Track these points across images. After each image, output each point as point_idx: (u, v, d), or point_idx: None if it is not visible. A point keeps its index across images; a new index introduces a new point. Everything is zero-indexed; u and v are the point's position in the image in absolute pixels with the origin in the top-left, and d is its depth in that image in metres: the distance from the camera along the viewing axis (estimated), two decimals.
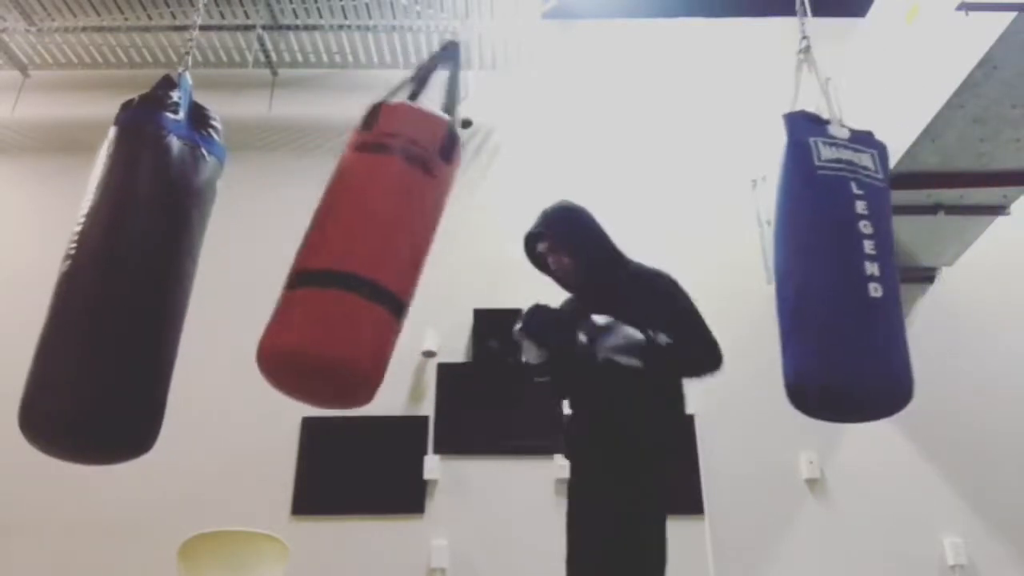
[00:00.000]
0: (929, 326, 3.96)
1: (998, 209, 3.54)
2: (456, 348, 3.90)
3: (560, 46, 4.77)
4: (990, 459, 3.70)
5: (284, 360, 1.64)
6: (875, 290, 1.85)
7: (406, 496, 3.61)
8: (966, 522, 3.57)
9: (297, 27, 4.39)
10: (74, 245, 1.89)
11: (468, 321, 3.93)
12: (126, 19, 4.29)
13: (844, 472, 3.67)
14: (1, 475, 3.52)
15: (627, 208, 4.22)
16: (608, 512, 1.97)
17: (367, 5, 4.22)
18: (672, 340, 1.98)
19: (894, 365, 1.85)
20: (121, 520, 3.50)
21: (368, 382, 1.66)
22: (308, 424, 3.76)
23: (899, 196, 3.36)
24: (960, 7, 2.66)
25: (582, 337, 2.01)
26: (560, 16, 4.64)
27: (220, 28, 4.31)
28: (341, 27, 4.35)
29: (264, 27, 4.35)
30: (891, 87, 3.34)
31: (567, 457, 2.26)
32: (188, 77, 2.20)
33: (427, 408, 3.78)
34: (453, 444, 3.70)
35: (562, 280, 2.29)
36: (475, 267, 4.00)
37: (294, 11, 4.31)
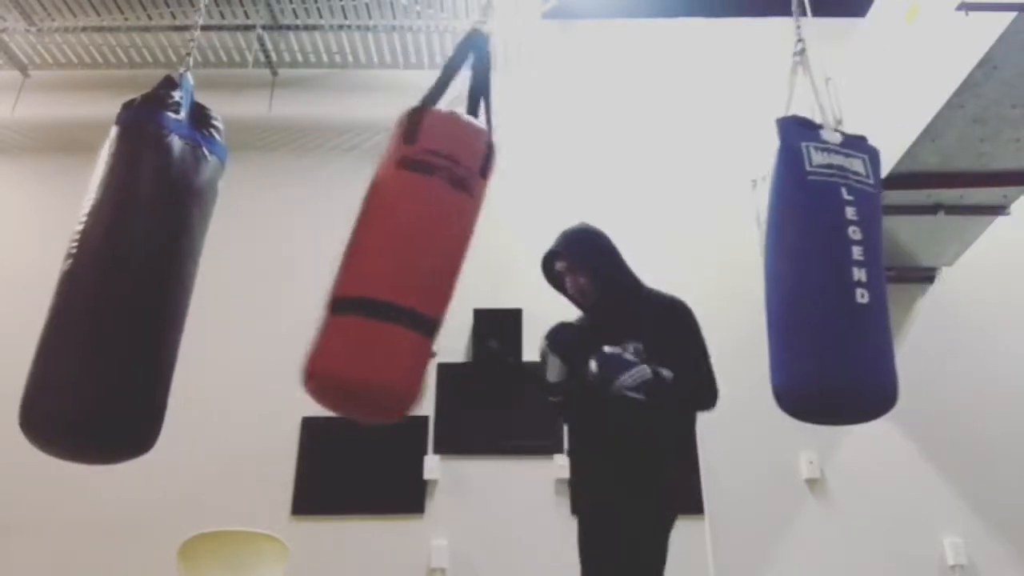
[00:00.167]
0: (929, 326, 3.97)
1: (998, 209, 3.54)
2: (456, 348, 3.90)
3: (560, 46, 4.77)
4: (990, 459, 3.70)
5: (329, 385, 1.70)
6: (862, 296, 1.87)
7: (406, 496, 3.61)
8: (966, 522, 3.58)
9: (297, 27, 4.39)
10: (75, 245, 1.89)
11: (468, 321, 3.93)
12: (126, 19, 4.29)
13: (844, 472, 3.67)
14: (1, 475, 3.52)
15: (627, 208, 4.23)
16: (620, 535, 2.03)
17: (367, 5, 4.22)
18: (675, 376, 2.03)
19: (879, 370, 1.88)
20: (121, 520, 3.50)
21: (405, 402, 1.71)
22: (308, 424, 3.76)
23: (899, 196, 3.38)
24: (960, 7, 2.66)
25: (592, 365, 2.05)
26: (560, 16, 4.64)
27: (220, 28, 4.31)
28: (341, 27, 4.35)
29: (264, 27, 4.35)
30: (891, 87, 3.34)
31: (578, 482, 2.33)
32: (189, 77, 2.20)
33: (427, 408, 3.78)
34: (453, 444, 3.71)
35: (577, 300, 2.34)
36: (475, 267, 3.97)
37: (294, 11, 4.31)
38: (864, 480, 3.65)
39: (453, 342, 3.90)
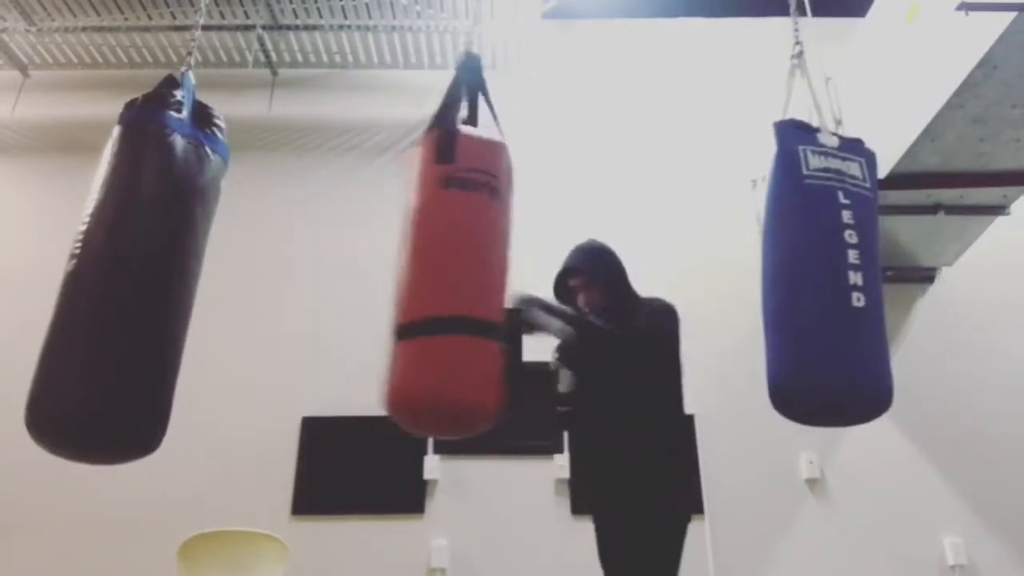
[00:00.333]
0: (929, 326, 3.97)
1: (998, 209, 3.55)
2: None
3: (560, 46, 4.77)
4: (990, 459, 3.70)
5: (419, 407, 1.71)
6: (858, 299, 1.89)
7: (406, 496, 3.61)
8: (966, 522, 3.58)
9: (297, 27, 4.39)
10: (79, 245, 1.89)
11: None
12: (126, 19, 4.29)
13: (844, 472, 3.68)
14: (1, 475, 3.52)
15: (627, 208, 4.24)
16: (634, 537, 2.11)
17: (367, 5, 4.22)
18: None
19: (874, 373, 1.90)
20: (121, 520, 3.50)
21: (495, 416, 1.75)
22: (308, 424, 3.76)
23: (899, 196, 3.38)
24: (960, 7, 2.66)
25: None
26: (560, 16, 4.64)
27: (220, 28, 4.31)
28: (341, 27, 4.35)
29: (264, 27, 4.35)
30: (891, 87, 3.34)
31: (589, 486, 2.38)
32: (191, 76, 2.20)
33: None
34: (453, 444, 3.70)
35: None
36: None
37: (294, 11, 4.31)
38: (864, 480, 3.66)
39: None
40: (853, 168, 2.09)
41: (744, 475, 3.63)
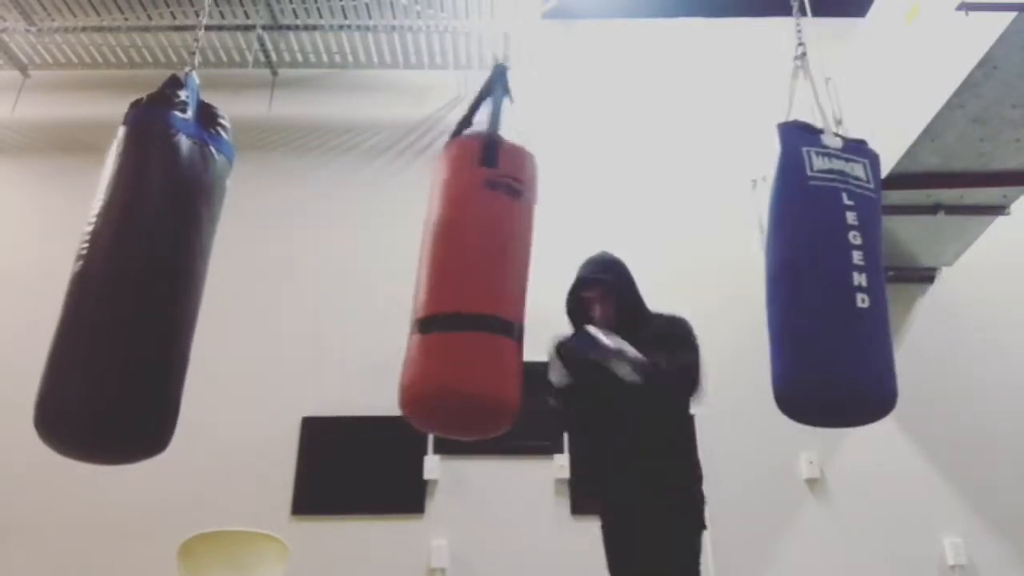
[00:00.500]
0: (929, 326, 3.97)
1: (998, 209, 3.54)
2: None
3: (560, 46, 4.77)
4: (990, 459, 3.70)
5: (438, 399, 1.73)
6: (862, 300, 1.89)
7: (406, 496, 3.61)
8: (966, 522, 3.58)
9: (297, 27, 4.39)
10: (86, 245, 1.89)
11: None
12: (126, 19, 4.28)
13: (844, 472, 3.67)
14: (1, 475, 3.52)
15: (627, 208, 4.24)
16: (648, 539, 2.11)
17: (367, 5, 4.22)
18: (668, 366, 2.14)
19: (878, 374, 1.90)
20: (121, 520, 3.50)
21: (514, 414, 1.79)
22: (308, 424, 3.76)
23: (899, 196, 3.38)
24: (960, 7, 2.66)
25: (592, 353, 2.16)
26: (560, 16, 4.64)
27: (220, 28, 4.31)
28: (341, 27, 4.35)
29: (264, 27, 4.35)
30: (891, 87, 3.34)
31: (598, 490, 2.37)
32: (195, 76, 2.20)
33: None
34: (453, 444, 3.69)
35: (599, 326, 2.35)
36: None
37: (294, 11, 4.31)
38: (864, 480, 3.65)
39: None
40: (857, 169, 2.09)
41: (744, 475, 3.63)
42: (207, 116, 2.16)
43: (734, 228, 4.15)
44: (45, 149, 4.53)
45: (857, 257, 1.93)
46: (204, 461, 3.59)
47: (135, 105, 2.09)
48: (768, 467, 3.66)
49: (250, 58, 4.45)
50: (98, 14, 4.26)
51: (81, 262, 1.87)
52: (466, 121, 2.16)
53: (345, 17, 4.30)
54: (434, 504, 3.61)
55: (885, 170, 3.25)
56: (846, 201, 2.00)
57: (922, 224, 3.60)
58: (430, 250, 1.87)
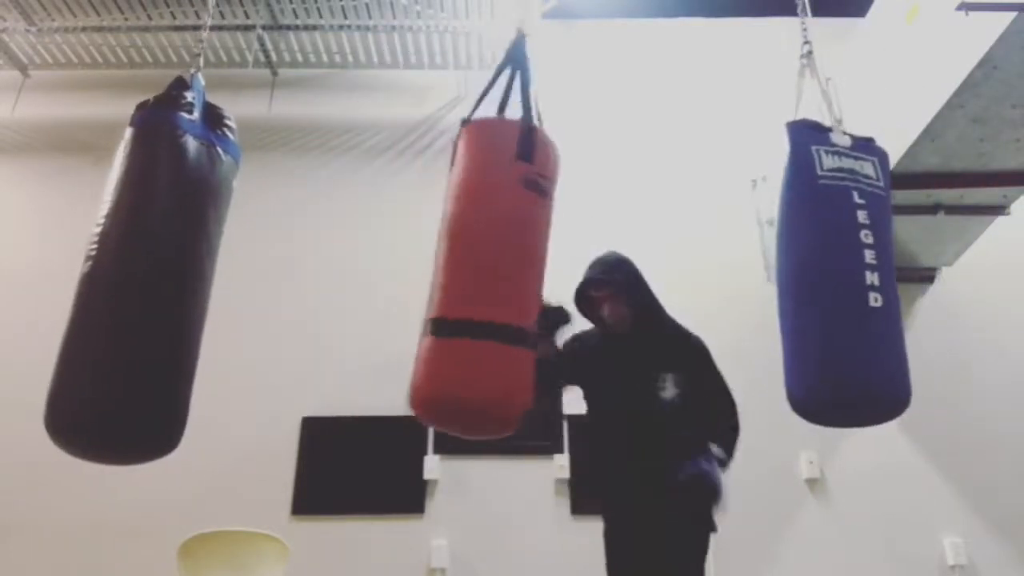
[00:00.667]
0: (929, 326, 3.96)
1: (998, 209, 3.54)
2: None
3: (560, 46, 4.77)
4: (990, 459, 3.70)
5: (444, 406, 1.69)
6: (875, 300, 1.87)
7: (406, 496, 3.61)
8: (966, 522, 3.58)
9: (297, 27, 4.39)
10: (94, 246, 1.89)
11: None
12: (126, 19, 4.28)
13: (844, 472, 3.67)
14: (1, 475, 3.52)
15: (628, 208, 4.24)
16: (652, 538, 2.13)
17: (367, 5, 4.22)
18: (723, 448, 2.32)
19: (892, 373, 1.88)
20: (121, 520, 3.50)
21: (518, 419, 1.74)
22: (308, 424, 3.76)
23: (899, 196, 3.37)
24: (960, 7, 2.66)
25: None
26: (560, 16, 4.64)
27: (220, 28, 4.31)
28: (341, 27, 4.35)
29: (264, 27, 4.35)
30: (891, 87, 3.34)
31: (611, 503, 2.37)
32: (200, 77, 2.20)
33: None
34: (453, 444, 3.69)
35: (611, 327, 2.37)
36: None
37: (294, 11, 4.30)
38: (864, 480, 3.65)
39: None
40: (867, 167, 2.07)
41: (744, 475, 3.62)
42: (213, 117, 2.17)
43: (734, 228, 4.15)
44: (45, 149, 4.53)
45: (869, 256, 1.92)
46: (204, 461, 3.58)
47: (142, 107, 2.09)
48: (768, 467, 3.66)
49: (250, 58, 4.45)
50: (98, 14, 4.26)
51: (90, 263, 1.88)
52: (485, 94, 2.07)
53: (345, 17, 4.30)
54: (434, 504, 3.61)
55: None
56: (857, 200, 1.98)
57: (922, 224, 3.60)
58: (457, 247, 1.74)
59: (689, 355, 2.32)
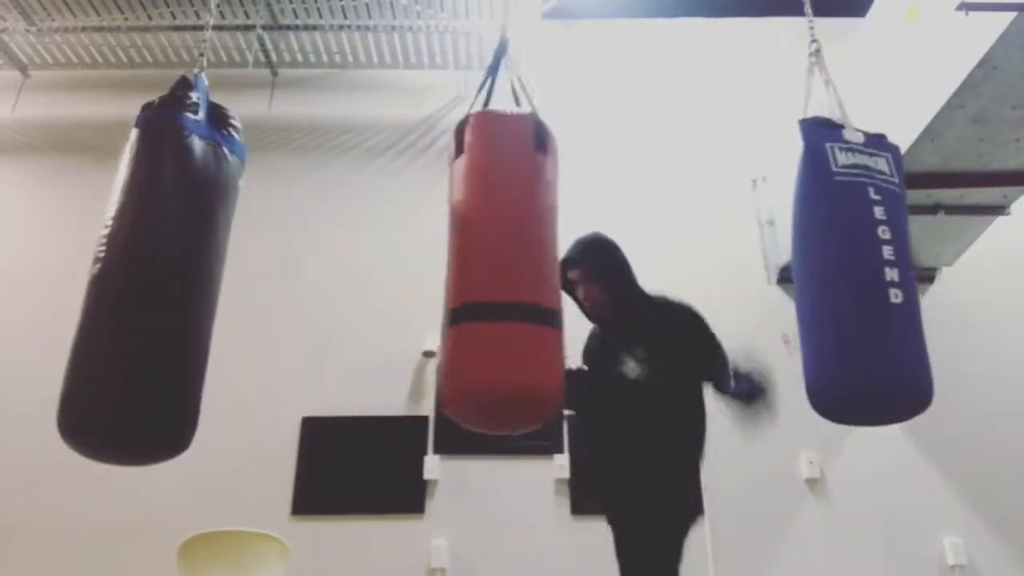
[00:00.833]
0: (929, 326, 3.94)
1: (998, 209, 3.55)
2: None
3: (560, 46, 4.77)
4: (990, 459, 3.70)
5: (486, 396, 1.67)
6: (895, 296, 1.86)
7: (406, 496, 3.61)
8: (966, 522, 3.58)
9: (297, 27, 4.39)
10: (103, 248, 1.90)
11: None
12: (126, 19, 4.29)
13: (844, 472, 3.68)
14: (2, 475, 3.52)
15: (628, 208, 4.23)
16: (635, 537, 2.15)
17: (367, 5, 4.22)
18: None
19: (914, 370, 1.87)
20: (121, 520, 3.50)
21: (556, 405, 1.73)
22: (308, 424, 3.76)
23: None
24: (960, 7, 2.66)
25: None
26: (560, 16, 4.64)
27: (220, 28, 4.31)
28: (341, 27, 4.35)
29: (264, 27, 4.35)
30: (891, 87, 3.34)
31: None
32: (204, 78, 2.20)
33: (427, 408, 3.78)
34: (453, 444, 3.70)
35: (587, 310, 2.34)
36: None
37: (294, 11, 4.31)
38: (864, 480, 3.66)
39: None
40: (881, 163, 2.05)
41: (744, 475, 3.63)
42: (218, 117, 2.17)
43: (734, 228, 4.16)
44: (45, 149, 4.53)
45: (888, 252, 1.89)
46: (204, 461, 3.56)
47: (147, 107, 2.10)
48: (768, 467, 3.66)
49: (250, 58, 4.46)
50: (98, 14, 4.26)
51: (99, 265, 1.88)
52: (483, 89, 2.08)
53: (345, 17, 4.30)
54: (434, 504, 3.61)
55: None
56: (873, 196, 1.96)
57: (922, 224, 3.60)
58: (491, 232, 1.77)
59: (667, 325, 2.22)
